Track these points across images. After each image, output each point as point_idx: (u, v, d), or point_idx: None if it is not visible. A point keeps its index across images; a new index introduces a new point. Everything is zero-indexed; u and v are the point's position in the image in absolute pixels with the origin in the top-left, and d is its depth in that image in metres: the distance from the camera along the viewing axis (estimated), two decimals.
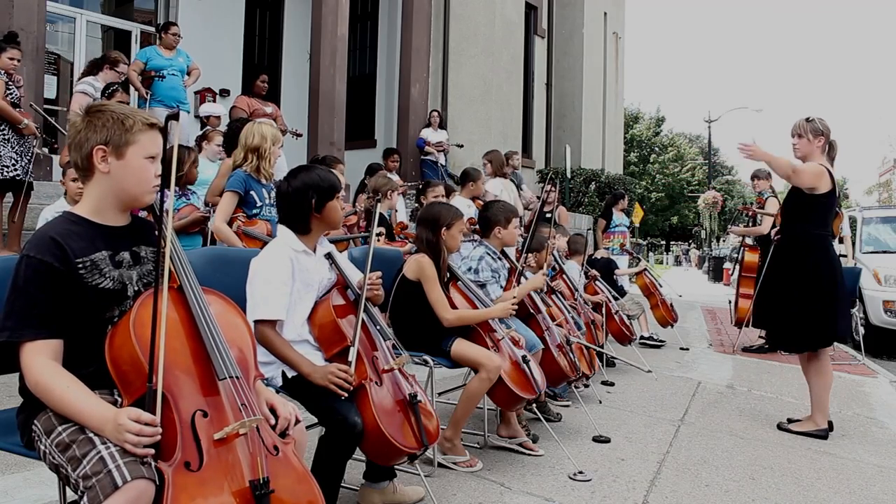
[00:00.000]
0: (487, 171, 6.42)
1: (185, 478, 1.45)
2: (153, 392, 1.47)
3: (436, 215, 3.26)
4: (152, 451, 1.45)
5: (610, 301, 5.81)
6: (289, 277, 2.36)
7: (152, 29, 9.59)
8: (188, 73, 7.19)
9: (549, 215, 8.15)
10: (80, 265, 1.63)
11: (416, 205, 6.45)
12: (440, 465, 3.06)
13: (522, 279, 3.77)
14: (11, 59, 5.22)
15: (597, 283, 5.99)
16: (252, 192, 3.90)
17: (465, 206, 5.62)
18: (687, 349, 6.88)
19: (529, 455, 3.32)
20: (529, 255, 4.20)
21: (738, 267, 7.17)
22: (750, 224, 6.79)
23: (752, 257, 6.96)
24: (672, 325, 7.14)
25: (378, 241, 4.49)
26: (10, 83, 5.20)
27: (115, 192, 1.72)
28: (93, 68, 5.93)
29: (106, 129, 1.67)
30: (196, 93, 9.02)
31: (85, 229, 1.69)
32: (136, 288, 1.73)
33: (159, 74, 6.87)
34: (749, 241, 7.09)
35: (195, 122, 7.87)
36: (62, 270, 1.59)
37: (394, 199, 5.29)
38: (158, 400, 1.48)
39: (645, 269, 7.23)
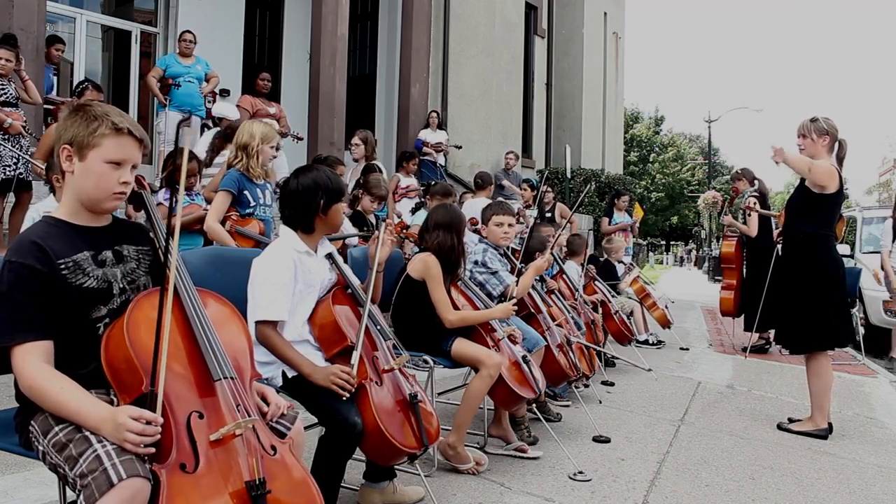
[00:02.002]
0: (357, 153, 6.26)
1: (180, 479, 1.45)
2: (153, 394, 1.47)
3: (459, 220, 3.25)
4: (153, 449, 1.45)
5: (609, 301, 5.81)
6: (291, 278, 2.36)
7: (152, 29, 9.61)
8: (206, 80, 7.36)
9: (548, 214, 8.23)
10: (63, 266, 1.62)
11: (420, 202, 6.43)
12: (440, 464, 3.06)
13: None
14: (8, 59, 5.23)
15: (596, 283, 6.00)
16: (246, 192, 3.86)
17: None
18: (687, 349, 6.88)
19: (528, 458, 3.31)
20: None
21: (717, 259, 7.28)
22: (742, 220, 6.77)
23: (729, 248, 6.94)
24: (669, 327, 7.15)
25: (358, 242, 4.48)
26: (2, 83, 5.22)
27: (78, 194, 1.70)
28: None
29: (73, 128, 1.65)
30: None
31: (65, 231, 1.68)
32: (121, 286, 1.72)
33: (175, 83, 7.02)
34: (729, 231, 7.06)
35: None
36: (45, 273, 1.58)
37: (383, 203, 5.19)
38: (160, 400, 1.48)
39: (637, 276, 7.21)
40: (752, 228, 6.59)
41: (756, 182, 6.98)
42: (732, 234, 6.95)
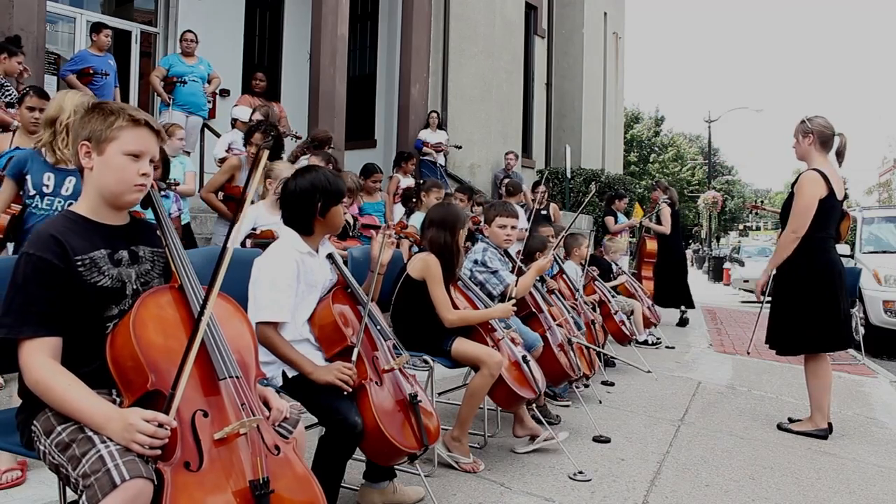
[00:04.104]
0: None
1: (184, 478, 1.45)
2: (172, 397, 1.48)
3: (454, 217, 3.24)
4: (159, 451, 1.46)
5: (609, 301, 5.81)
6: (294, 280, 2.36)
7: (152, 29, 9.61)
8: (209, 81, 7.37)
9: (544, 212, 8.28)
10: (80, 263, 1.62)
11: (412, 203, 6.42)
12: (440, 464, 3.06)
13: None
14: (20, 63, 5.31)
15: (596, 283, 5.99)
16: (28, 176, 3.03)
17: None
18: (672, 347, 6.86)
19: (548, 447, 3.34)
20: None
21: (638, 253, 8.70)
22: (656, 220, 8.43)
23: (652, 245, 8.48)
24: (655, 325, 7.18)
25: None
26: (7, 85, 5.24)
27: (99, 189, 1.71)
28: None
29: (91, 124, 1.67)
30: None
31: (84, 228, 1.68)
32: (134, 286, 1.73)
33: (181, 80, 7.03)
34: (645, 233, 8.59)
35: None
36: (62, 268, 1.59)
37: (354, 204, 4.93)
38: (176, 403, 1.49)
39: (626, 281, 7.30)
40: (667, 228, 8.26)
41: (668, 191, 8.54)
42: (650, 234, 8.53)
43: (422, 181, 6.92)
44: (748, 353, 6.17)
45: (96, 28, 6.91)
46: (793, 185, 3.98)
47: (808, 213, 3.76)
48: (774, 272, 4.05)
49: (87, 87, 6.49)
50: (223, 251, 1.56)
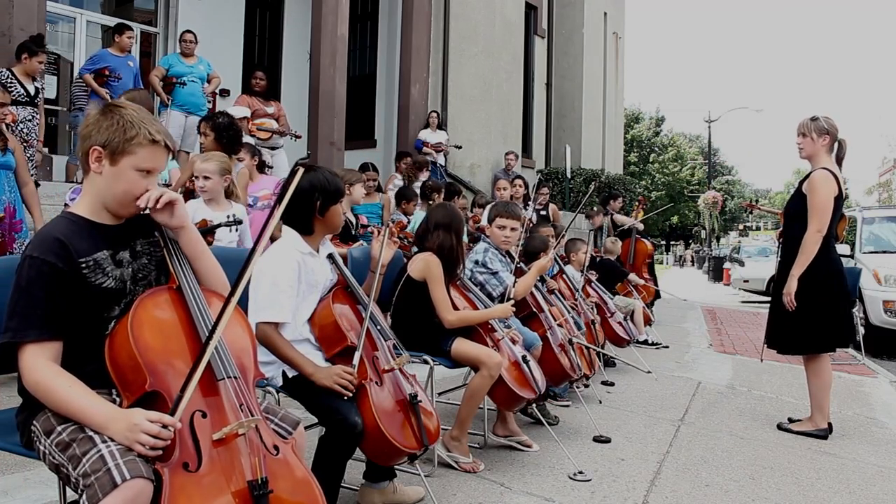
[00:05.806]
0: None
1: (182, 478, 1.45)
2: (179, 399, 1.48)
3: (458, 220, 3.24)
4: (160, 451, 1.45)
5: (606, 304, 5.78)
6: (295, 280, 2.36)
7: (152, 29, 9.61)
8: (209, 81, 7.36)
9: (543, 213, 8.29)
10: (84, 265, 1.62)
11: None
12: (440, 464, 3.06)
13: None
14: (41, 62, 5.35)
15: (592, 285, 5.96)
16: None
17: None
18: (667, 347, 6.87)
19: (528, 451, 3.35)
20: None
21: (634, 255, 8.64)
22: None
23: (650, 247, 8.61)
24: (650, 325, 7.19)
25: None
26: (11, 83, 5.24)
27: (103, 195, 1.70)
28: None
29: (109, 132, 1.66)
30: None
31: (86, 229, 1.68)
32: (130, 285, 1.73)
33: (180, 81, 7.01)
34: (638, 234, 8.75)
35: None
36: (66, 270, 1.59)
37: (354, 192, 4.63)
38: (182, 407, 1.48)
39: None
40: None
41: (610, 202, 9.18)
42: (640, 237, 8.67)
43: (430, 182, 6.91)
44: (762, 360, 6.15)
45: (119, 29, 6.88)
46: (800, 183, 3.98)
47: (828, 211, 3.76)
48: (775, 273, 4.04)
49: (102, 88, 6.48)
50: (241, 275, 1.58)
